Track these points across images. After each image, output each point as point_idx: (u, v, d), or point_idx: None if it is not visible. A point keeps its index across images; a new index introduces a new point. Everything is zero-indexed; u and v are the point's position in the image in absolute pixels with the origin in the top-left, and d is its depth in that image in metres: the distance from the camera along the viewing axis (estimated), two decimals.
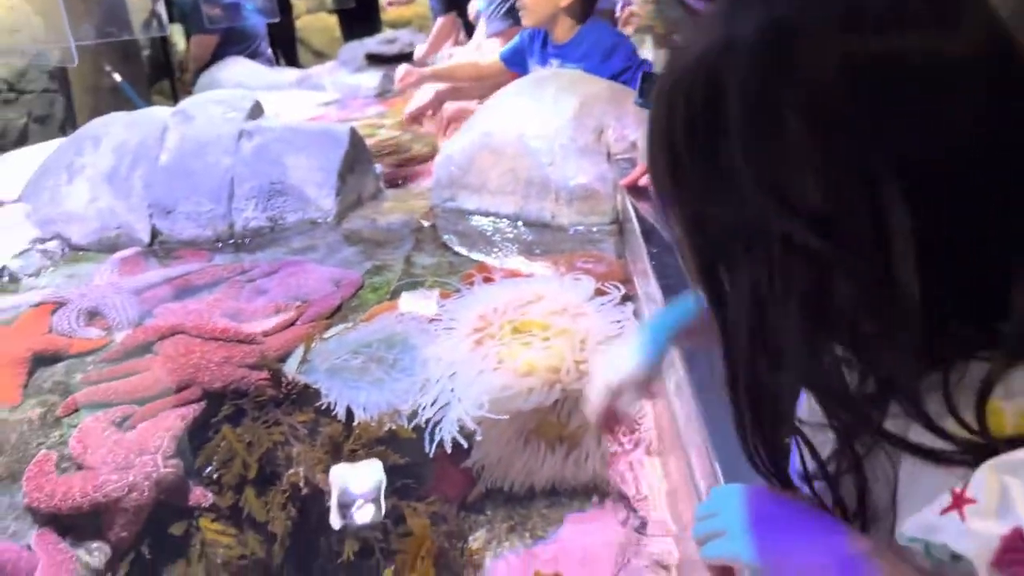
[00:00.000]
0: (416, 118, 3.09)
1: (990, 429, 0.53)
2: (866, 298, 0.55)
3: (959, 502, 0.52)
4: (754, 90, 0.56)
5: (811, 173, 0.54)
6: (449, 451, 1.61)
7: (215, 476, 1.54)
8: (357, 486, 1.52)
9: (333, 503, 1.49)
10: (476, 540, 1.76)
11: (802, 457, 0.67)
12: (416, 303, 1.83)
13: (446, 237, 2.21)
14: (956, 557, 0.53)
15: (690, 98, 0.59)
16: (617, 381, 1.08)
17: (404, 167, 2.91)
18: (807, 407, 0.68)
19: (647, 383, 1.07)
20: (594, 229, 2.14)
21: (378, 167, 2.70)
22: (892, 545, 0.61)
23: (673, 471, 1.27)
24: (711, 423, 0.95)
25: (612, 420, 1.14)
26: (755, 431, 0.65)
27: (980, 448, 0.53)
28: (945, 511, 0.53)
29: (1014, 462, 0.51)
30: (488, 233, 2.18)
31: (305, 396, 1.63)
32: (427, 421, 1.56)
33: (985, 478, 0.51)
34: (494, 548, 1.77)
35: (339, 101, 4.40)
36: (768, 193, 0.56)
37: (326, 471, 1.46)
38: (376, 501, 1.53)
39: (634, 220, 1.80)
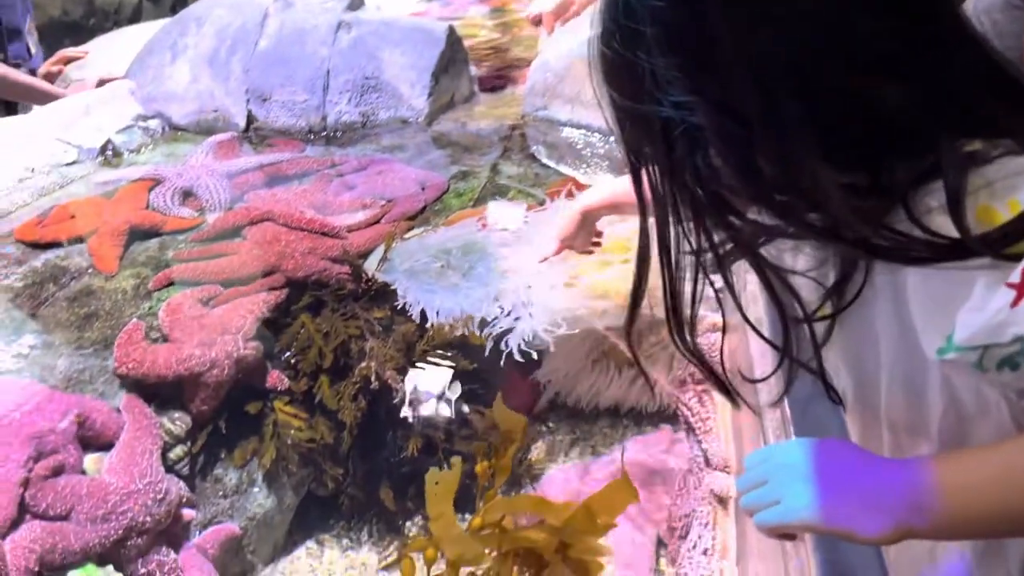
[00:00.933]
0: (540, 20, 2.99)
1: (985, 227, 0.55)
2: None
3: None
4: None
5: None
6: (518, 362, 1.63)
7: (292, 362, 1.60)
8: (430, 386, 1.56)
9: (406, 399, 1.53)
10: (537, 451, 1.80)
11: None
12: (499, 213, 1.82)
13: (535, 148, 2.17)
14: (1010, 363, 0.55)
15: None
16: (586, 205, 1.37)
17: (501, 71, 2.85)
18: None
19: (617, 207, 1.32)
20: None
21: (473, 69, 2.65)
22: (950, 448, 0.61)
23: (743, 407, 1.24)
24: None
25: (579, 241, 1.40)
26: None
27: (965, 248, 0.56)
28: (1016, 303, 0.54)
29: None
30: (578, 146, 2.13)
31: (383, 294, 1.65)
32: (499, 331, 1.57)
33: None
34: (554, 460, 1.80)
35: None
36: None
37: (397, 368, 1.50)
38: (448, 402, 1.57)
39: None
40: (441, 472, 0.94)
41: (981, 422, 0.65)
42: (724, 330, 0.79)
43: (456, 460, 0.93)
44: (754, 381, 0.78)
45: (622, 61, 0.64)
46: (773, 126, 0.57)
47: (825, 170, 0.58)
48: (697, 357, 0.71)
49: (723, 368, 0.76)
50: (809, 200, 0.60)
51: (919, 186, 0.59)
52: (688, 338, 0.71)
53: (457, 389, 1.58)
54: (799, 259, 0.71)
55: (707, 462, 1.35)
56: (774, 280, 0.66)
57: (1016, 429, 0.63)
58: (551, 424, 1.88)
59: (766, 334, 0.74)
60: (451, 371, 1.59)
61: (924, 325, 0.61)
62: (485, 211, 1.80)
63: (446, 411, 1.56)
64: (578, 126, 2.16)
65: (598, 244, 1.54)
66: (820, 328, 0.71)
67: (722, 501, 1.26)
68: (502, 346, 1.56)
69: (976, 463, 0.60)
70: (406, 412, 1.52)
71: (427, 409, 1.54)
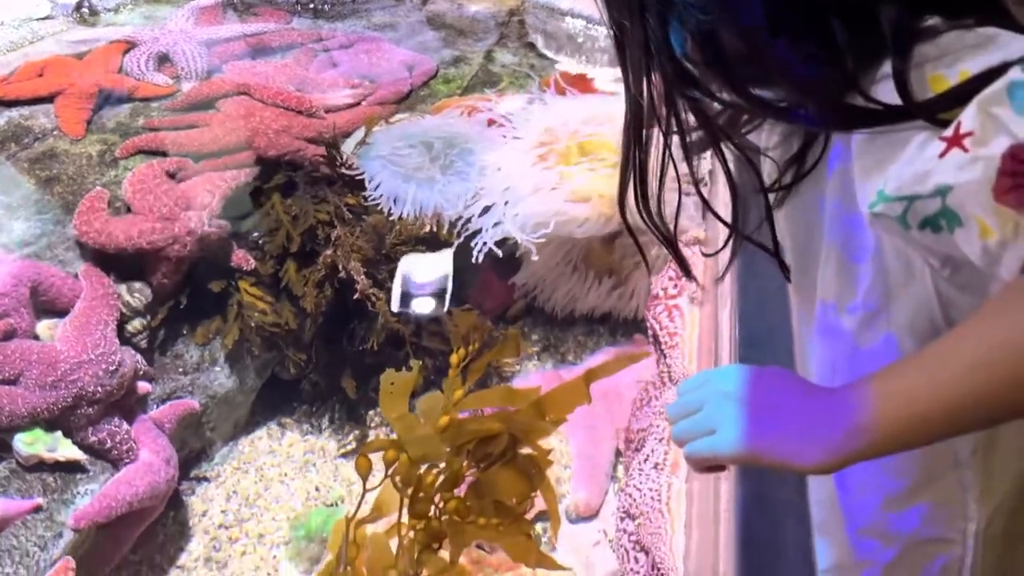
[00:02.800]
0: None
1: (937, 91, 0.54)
2: None
3: (957, 139, 0.52)
4: None
5: None
6: (495, 264, 1.59)
7: (259, 243, 1.56)
8: (423, 276, 1.51)
9: (396, 288, 1.48)
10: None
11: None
12: (485, 104, 1.74)
13: (533, 36, 2.07)
14: (931, 224, 0.54)
15: None
16: None
17: None
18: None
19: None
20: None
21: None
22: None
23: (707, 325, 1.21)
24: (743, 282, 0.88)
25: None
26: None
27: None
28: (944, 153, 0.53)
29: (993, 93, 0.51)
30: (578, 38, 2.02)
31: (358, 180, 1.59)
32: (475, 230, 1.52)
33: (975, 112, 0.52)
34: (524, 363, 1.78)
35: None
36: None
37: (364, 258, 1.45)
38: (439, 295, 1.51)
39: None
40: (398, 373, 0.91)
41: (905, 292, 0.63)
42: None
43: (415, 364, 0.90)
44: (708, 255, 0.75)
45: None
46: None
47: (780, 42, 0.57)
48: (656, 225, 0.69)
49: (675, 237, 0.72)
50: (767, 73, 0.59)
51: (876, 57, 0.57)
52: (652, 207, 0.69)
53: (449, 280, 1.51)
54: (763, 136, 0.70)
55: (669, 377, 1.33)
56: (730, 154, 0.65)
57: (937, 298, 0.61)
58: (525, 329, 1.86)
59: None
60: (449, 261, 1.52)
61: (861, 185, 0.59)
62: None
63: (439, 304, 1.51)
64: (580, 16, 2.04)
65: None
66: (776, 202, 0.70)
67: None
68: (477, 245, 1.51)
69: (905, 368, 0.57)
70: (395, 303, 1.48)
71: (418, 300, 1.49)
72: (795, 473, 0.61)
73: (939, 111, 0.54)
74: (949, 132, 0.53)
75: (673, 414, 0.67)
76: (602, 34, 2.03)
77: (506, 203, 1.55)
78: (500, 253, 1.57)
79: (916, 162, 0.54)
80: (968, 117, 0.52)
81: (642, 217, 0.69)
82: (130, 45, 1.87)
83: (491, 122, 1.70)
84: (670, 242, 0.70)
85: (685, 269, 0.77)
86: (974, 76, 0.53)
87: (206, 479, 1.53)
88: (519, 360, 1.75)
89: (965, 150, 0.52)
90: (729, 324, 0.87)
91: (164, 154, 1.58)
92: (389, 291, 1.46)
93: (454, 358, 0.99)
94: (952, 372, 0.54)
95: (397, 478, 0.79)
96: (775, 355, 0.76)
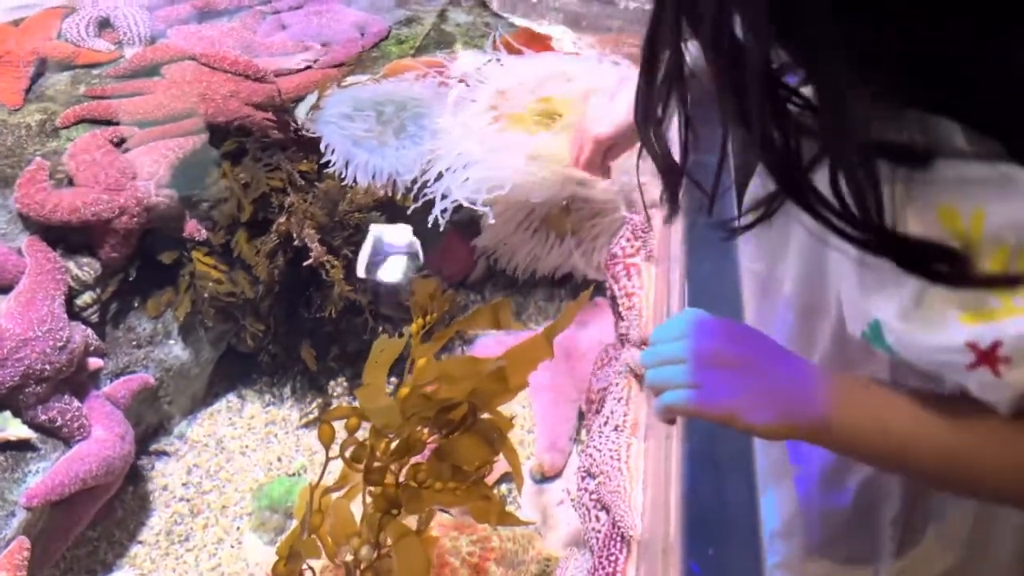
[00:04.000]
0: None
1: (946, 230, 0.48)
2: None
3: (991, 359, 0.48)
4: None
5: None
6: (453, 228, 1.57)
7: (209, 212, 1.53)
8: (393, 241, 1.48)
9: (363, 255, 1.45)
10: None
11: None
12: (439, 65, 1.71)
13: None
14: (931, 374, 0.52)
15: None
16: (607, 135, 1.21)
17: None
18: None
19: (633, 136, 1.13)
20: (646, 7, 1.94)
21: None
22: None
23: (661, 284, 1.22)
24: (691, 236, 0.88)
25: (596, 168, 1.27)
26: None
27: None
28: (972, 367, 0.49)
29: None
30: None
31: (311, 145, 1.56)
32: (431, 195, 1.50)
33: (1018, 340, 0.47)
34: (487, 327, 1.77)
35: None
36: None
37: (318, 225, 1.43)
38: (410, 259, 1.48)
39: None
40: (389, 340, 0.90)
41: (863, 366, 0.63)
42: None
43: (407, 330, 0.89)
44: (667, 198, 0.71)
45: None
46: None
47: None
48: (658, 151, 0.64)
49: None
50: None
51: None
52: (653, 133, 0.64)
53: (418, 247, 1.49)
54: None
55: (627, 338, 1.33)
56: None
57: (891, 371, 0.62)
58: (486, 294, 1.85)
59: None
60: (410, 228, 1.50)
61: (859, 289, 0.56)
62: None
63: (405, 272, 1.48)
64: None
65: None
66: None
67: (637, 377, 1.25)
68: (434, 211, 1.49)
69: (869, 395, 0.58)
70: (360, 269, 1.45)
71: (385, 267, 1.47)
72: (747, 431, 0.61)
73: (936, 264, 0.48)
74: (983, 344, 0.48)
75: (648, 361, 0.66)
76: None
77: (463, 166, 1.53)
78: (458, 218, 1.56)
79: (930, 331, 0.50)
80: (1010, 340, 0.48)
81: (643, 140, 0.64)
82: (69, 10, 1.80)
83: (445, 84, 1.67)
84: (670, 170, 0.66)
85: (673, 200, 0.70)
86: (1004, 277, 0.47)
87: (165, 453, 1.51)
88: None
89: (998, 374, 0.48)
90: (680, 283, 0.87)
91: (108, 123, 1.53)
92: (345, 258, 1.44)
93: (413, 327, 0.98)
94: (934, 453, 0.56)
95: (347, 451, 0.78)
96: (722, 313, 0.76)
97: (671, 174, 0.64)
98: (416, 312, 0.90)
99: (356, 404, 0.85)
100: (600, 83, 1.64)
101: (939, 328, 0.50)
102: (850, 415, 0.57)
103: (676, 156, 0.64)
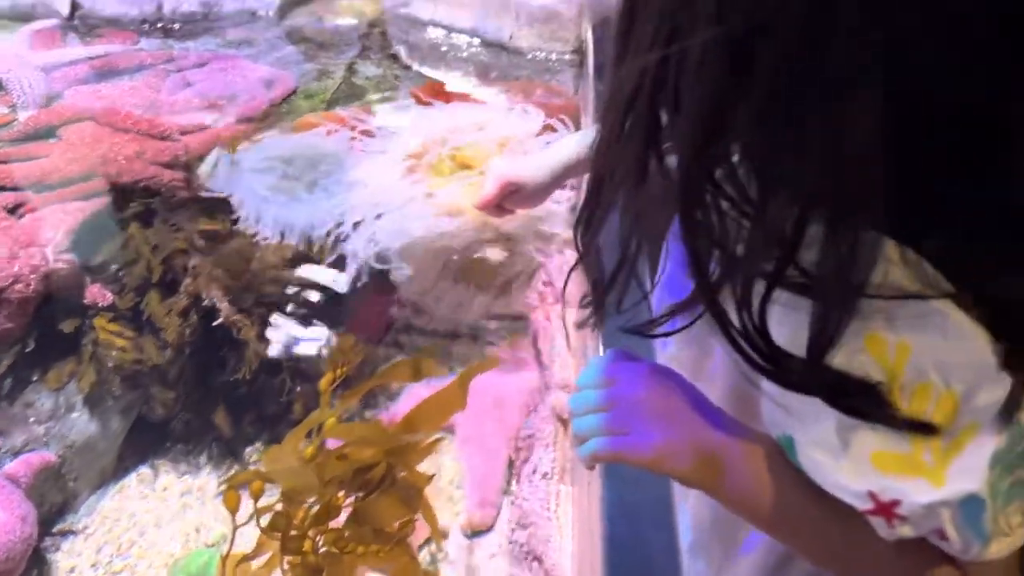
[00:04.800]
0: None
1: (871, 358, 0.46)
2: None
3: (889, 512, 0.48)
4: None
5: None
6: (371, 281, 1.55)
7: (117, 276, 1.47)
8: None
9: (276, 335, 1.42)
10: None
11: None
12: (350, 116, 1.70)
13: (396, 47, 2.04)
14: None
15: None
16: (512, 176, 1.20)
17: None
18: None
19: (540, 193, 1.20)
20: (553, 57, 1.99)
21: None
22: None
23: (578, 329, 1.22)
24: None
25: (495, 210, 1.29)
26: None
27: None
28: (869, 513, 0.49)
29: (944, 500, 0.46)
30: (441, 47, 2.01)
31: (219, 203, 1.53)
32: (347, 248, 1.48)
33: (919, 508, 0.47)
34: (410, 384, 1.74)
35: None
36: None
37: (227, 284, 1.39)
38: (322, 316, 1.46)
39: (590, 53, 1.65)
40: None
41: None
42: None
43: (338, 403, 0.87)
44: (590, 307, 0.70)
45: None
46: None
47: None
48: (587, 254, 0.63)
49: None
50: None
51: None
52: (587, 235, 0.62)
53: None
54: None
55: (552, 382, 1.32)
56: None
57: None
58: (407, 346, 1.82)
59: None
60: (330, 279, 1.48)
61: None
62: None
63: (315, 349, 1.46)
64: (441, 26, 2.03)
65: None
66: None
67: (563, 422, 1.24)
68: (350, 265, 1.47)
69: (772, 461, 0.58)
70: (275, 350, 1.42)
71: (302, 349, 1.44)
72: (677, 480, 0.61)
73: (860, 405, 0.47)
74: (883, 497, 0.48)
75: (576, 408, 0.65)
76: (464, 42, 2.03)
77: (377, 218, 1.52)
78: (376, 270, 1.54)
79: (838, 466, 0.50)
80: (909, 504, 0.48)
81: (576, 242, 0.63)
82: None
83: (356, 137, 1.66)
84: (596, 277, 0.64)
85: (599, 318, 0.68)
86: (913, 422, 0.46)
87: (72, 533, 1.42)
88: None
89: (891, 526, 0.49)
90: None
91: (2, 188, 1.46)
92: (259, 317, 1.40)
93: (323, 382, 0.96)
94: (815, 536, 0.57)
95: (262, 519, 0.74)
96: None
97: (600, 288, 0.63)
98: (328, 366, 0.88)
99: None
100: (512, 131, 1.66)
101: (848, 466, 0.50)
102: (751, 473, 0.58)
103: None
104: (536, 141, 1.66)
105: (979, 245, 0.45)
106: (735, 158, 0.47)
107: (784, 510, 0.56)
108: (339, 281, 1.47)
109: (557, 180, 1.18)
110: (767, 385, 0.52)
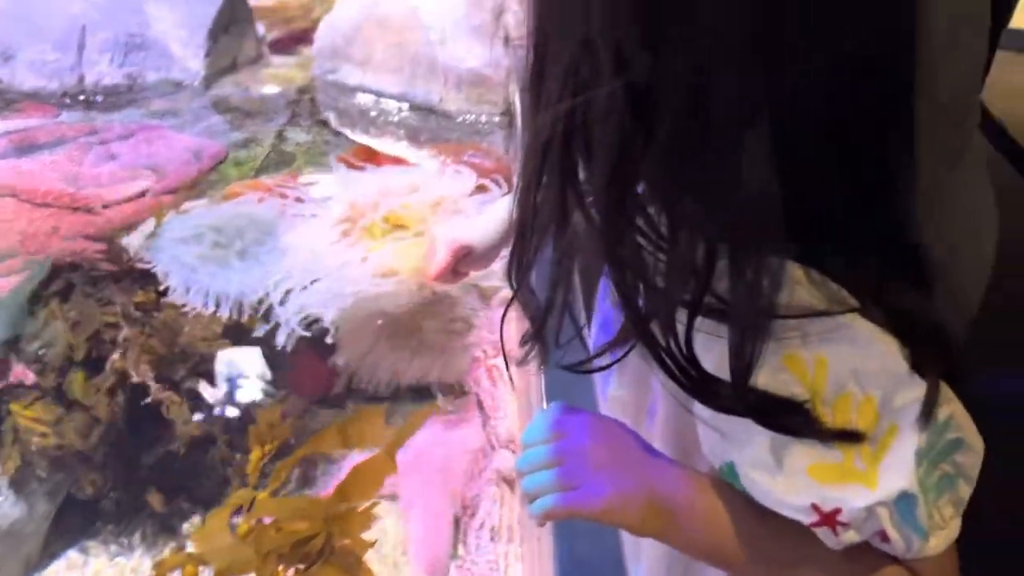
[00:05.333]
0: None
1: (794, 376, 0.49)
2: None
3: (832, 521, 0.50)
4: None
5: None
6: (310, 346, 1.52)
7: (39, 355, 1.41)
8: (243, 367, 1.42)
9: (212, 384, 1.38)
10: None
11: None
12: (280, 184, 1.69)
13: (326, 113, 2.04)
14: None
15: None
16: (463, 240, 1.18)
17: (296, 33, 2.68)
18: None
19: (491, 252, 1.18)
20: (483, 119, 2.02)
21: (261, 29, 2.47)
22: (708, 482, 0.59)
23: (521, 383, 1.22)
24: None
25: (450, 276, 1.25)
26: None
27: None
28: (814, 525, 0.51)
29: (880, 500, 0.48)
30: (371, 113, 2.03)
31: (146, 276, 1.49)
32: (283, 314, 1.45)
33: (859, 512, 0.49)
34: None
35: None
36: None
37: (157, 358, 1.35)
38: (257, 384, 1.43)
39: (519, 114, 1.69)
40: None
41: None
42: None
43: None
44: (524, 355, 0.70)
45: None
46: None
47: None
48: (521, 292, 0.62)
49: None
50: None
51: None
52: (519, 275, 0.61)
53: (266, 370, 1.45)
54: None
55: (497, 440, 1.31)
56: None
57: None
58: (349, 410, 1.79)
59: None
60: (260, 351, 1.46)
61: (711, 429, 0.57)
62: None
63: (257, 394, 1.43)
64: (370, 91, 2.05)
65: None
66: None
67: (508, 481, 1.22)
68: (285, 331, 1.45)
69: (709, 498, 0.59)
70: (213, 397, 1.38)
71: (239, 394, 1.41)
72: (628, 531, 0.61)
73: (786, 423, 0.49)
74: (825, 508, 0.50)
75: (524, 467, 0.64)
76: (394, 107, 2.05)
77: (311, 283, 1.50)
78: (312, 335, 1.52)
79: (778, 484, 0.52)
80: (849, 509, 0.50)
81: (511, 285, 0.62)
82: None
83: (288, 203, 1.65)
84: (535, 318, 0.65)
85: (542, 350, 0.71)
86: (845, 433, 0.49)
87: None
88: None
89: (836, 534, 0.51)
90: (537, 379, 0.87)
91: None
92: (188, 391, 1.37)
93: (251, 460, 0.93)
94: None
95: None
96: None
97: (537, 323, 0.63)
98: (254, 443, 0.85)
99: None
100: (445, 192, 1.67)
101: (787, 482, 0.51)
102: (701, 511, 0.58)
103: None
104: (470, 201, 1.68)
105: (870, 260, 0.48)
106: (646, 198, 0.49)
107: (737, 541, 0.57)
108: (260, 370, 1.44)
109: (505, 238, 1.19)
110: (702, 411, 0.54)
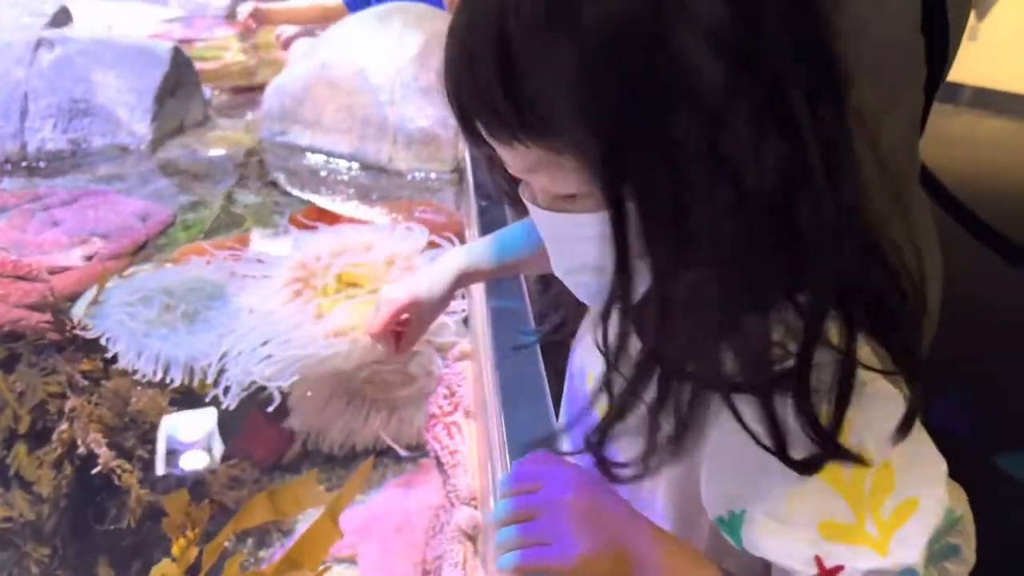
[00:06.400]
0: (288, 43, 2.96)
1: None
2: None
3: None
4: None
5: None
6: (261, 409, 1.49)
7: None
8: (190, 434, 1.39)
9: (160, 451, 1.34)
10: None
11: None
12: (230, 246, 1.68)
13: (275, 174, 2.04)
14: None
15: None
16: (405, 298, 1.17)
17: (243, 95, 2.69)
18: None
19: (440, 303, 1.18)
20: (433, 176, 2.04)
21: (208, 92, 2.47)
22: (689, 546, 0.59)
23: (481, 437, 1.21)
24: (506, 388, 0.89)
25: (392, 338, 1.24)
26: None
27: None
28: None
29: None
30: (321, 173, 2.03)
31: (93, 343, 1.46)
32: (235, 379, 1.43)
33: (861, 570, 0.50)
34: (307, 512, 1.67)
35: (183, 19, 4.05)
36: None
37: (106, 427, 1.31)
38: (208, 450, 1.40)
39: (469, 171, 1.71)
40: (168, 564, 0.82)
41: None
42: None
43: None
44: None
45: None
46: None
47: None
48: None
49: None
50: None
51: None
52: None
53: (215, 435, 1.41)
54: None
55: (457, 497, 1.29)
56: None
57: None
58: (304, 472, 1.75)
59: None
60: (214, 414, 1.42)
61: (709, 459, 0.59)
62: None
63: (207, 460, 1.39)
64: (320, 151, 2.06)
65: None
66: None
67: (471, 538, 1.21)
68: (235, 395, 1.42)
69: (689, 562, 0.60)
70: (160, 467, 1.34)
71: (189, 461, 1.37)
72: None
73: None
74: (828, 563, 0.52)
75: (500, 518, 0.63)
76: (344, 167, 2.05)
77: (263, 344, 1.48)
78: (264, 397, 1.49)
79: (786, 534, 0.53)
80: (853, 572, 0.51)
81: None
82: None
83: (238, 265, 1.63)
84: None
85: None
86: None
87: None
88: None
89: None
90: (497, 433, 0.87)
91: None
92: (140, 459, 1.33)
93: (175, 551, 0.90)
94: None
95: None
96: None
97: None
98: (172, 532, 0.82)
99: None
100: (398, 249, 1.68)
101: (796, 533, 0.53)
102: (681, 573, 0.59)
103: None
104: (422, 257, 1.68)
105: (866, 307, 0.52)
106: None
107: None
108: (209, 435, 1.41)
109: (451, 292, 1.19)
110: (719, 463, 0.55)
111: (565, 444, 0.68)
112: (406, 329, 1.25)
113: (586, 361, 0.78)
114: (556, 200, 0.57)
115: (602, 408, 0.60)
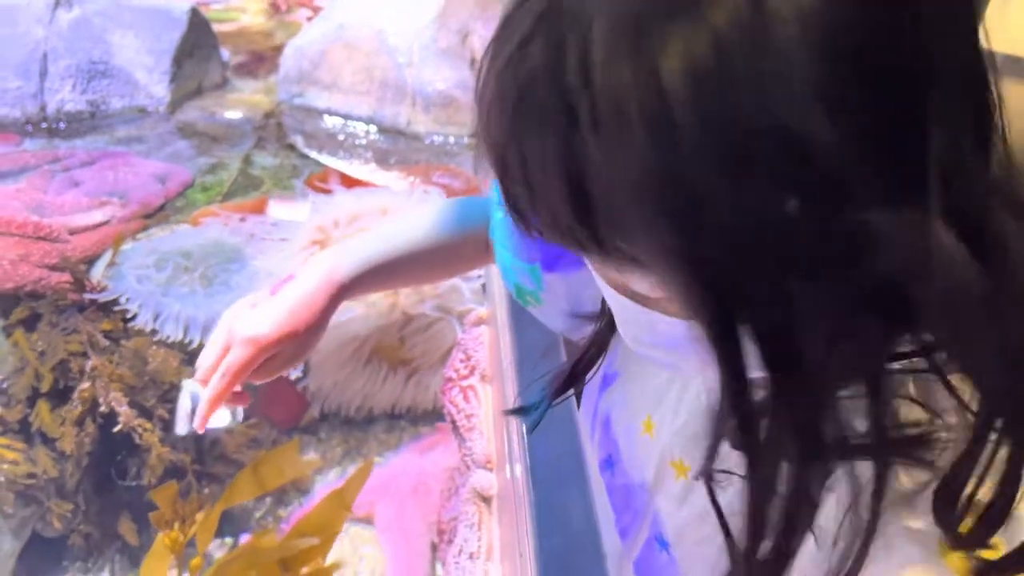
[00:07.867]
0: None
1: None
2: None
3: None
4: None
5: None
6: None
7: (3, 387, 1.38)
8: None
9: (182, 411, 1.35)
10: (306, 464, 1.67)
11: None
12: (249, 207, 1.68)
13: (293, 137, 2.04)
14: None
15: None
16: (266, 335, 0.89)
17: (262, 57, 2.68)
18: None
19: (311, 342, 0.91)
20: (451, 140, 2.03)
21: (226, 54, 2.46)
22: None
23: (497, 401, 1.21)
24: (521, 353, 0.89)
25: (243, 396, 0.98)
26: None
27: None
28: None
29: None
30: (338, 136, 2.02)
31: (112, 303, 1.47)
32: None
33: None
34: (325, 473, 1.69)
35: None
36: None
37: (126, 386, 1.33)
38: (229, 410, 1.40)
39: None
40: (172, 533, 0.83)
41: None
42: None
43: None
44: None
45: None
46: None
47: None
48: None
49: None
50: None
51: None
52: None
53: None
54: None
55: (472, 460, 1.30)
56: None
57: None
58: (322, 436, 1.77)
59: None
60: None
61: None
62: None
63: (227, 420, 1.40)
64: (338, 114, 2.05)
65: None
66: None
67: (486, 500, 1.21)
68: None
69: None
70: (181, 426, 1.35)
71: (209, 421, 1.38)
72: None
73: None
74: None
75: None
76: (362, 130, 2.05)
77: None
78: None
79: None
80: None
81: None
82: None
83: (256, 227, 1.64)
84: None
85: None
86: None
87: None
88: (319, 469, 1.65)
89: None
90: (513, 397, 0.87)
91: None
92: (161, 419, 1.34)
93: (166, 542, 0.90)
94: None
95: None
96: (556, 429, 0.76)
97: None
98: (161, 526, 0.82)
99: None
100: None
101: None
102: None
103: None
104: None
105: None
106: None
107: None
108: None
109: (331, 311, 0.94)
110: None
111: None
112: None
113: (615, 405, 0.71)
114: (630, 290, 0.46)
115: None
